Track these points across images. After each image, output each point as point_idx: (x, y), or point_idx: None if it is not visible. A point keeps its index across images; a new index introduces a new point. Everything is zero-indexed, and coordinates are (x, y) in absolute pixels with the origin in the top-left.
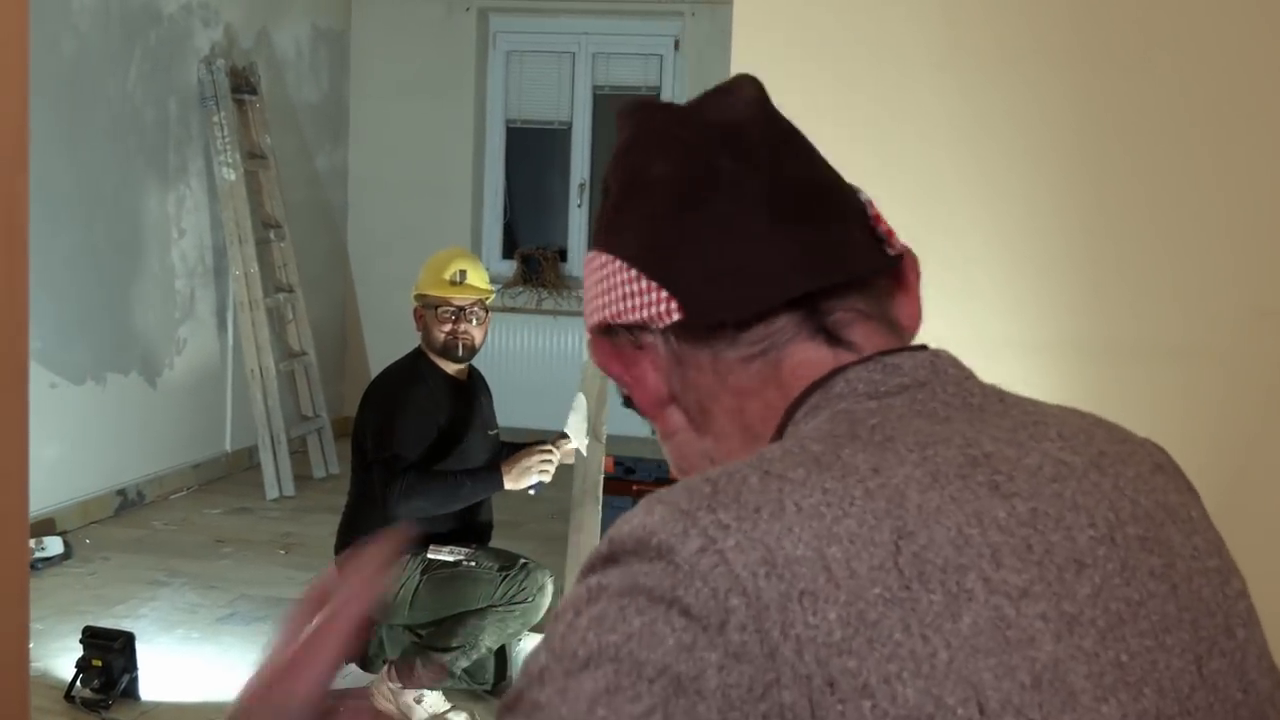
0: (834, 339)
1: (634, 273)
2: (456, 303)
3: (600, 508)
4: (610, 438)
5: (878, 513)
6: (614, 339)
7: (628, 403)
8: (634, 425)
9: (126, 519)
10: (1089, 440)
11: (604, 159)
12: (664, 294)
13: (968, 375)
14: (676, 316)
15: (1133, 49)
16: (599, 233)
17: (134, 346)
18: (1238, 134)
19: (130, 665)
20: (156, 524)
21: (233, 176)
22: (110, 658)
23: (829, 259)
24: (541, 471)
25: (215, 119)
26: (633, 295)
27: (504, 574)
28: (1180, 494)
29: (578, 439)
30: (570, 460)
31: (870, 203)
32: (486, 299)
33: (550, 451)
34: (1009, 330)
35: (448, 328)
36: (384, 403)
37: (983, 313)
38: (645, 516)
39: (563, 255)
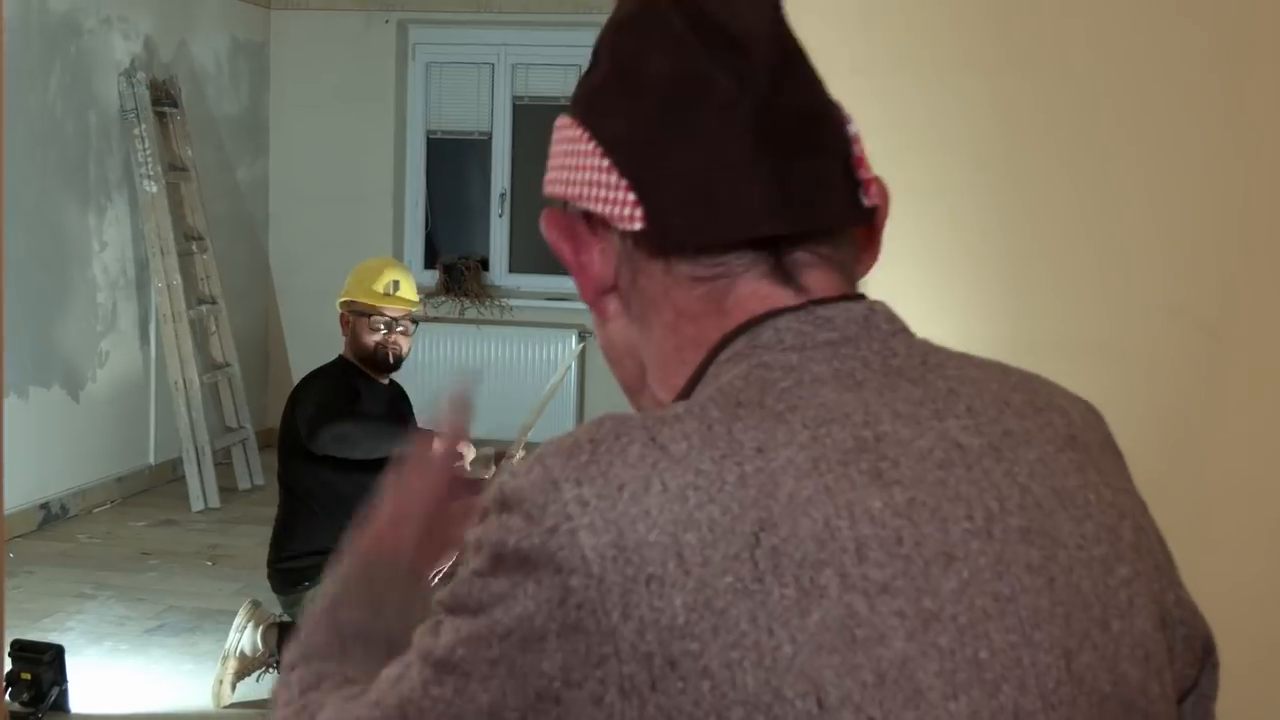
0: (788, 279)
1: (607, 163)
2: (389, 313)
3: None
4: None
5: (745, 501)
6: (568, 214)
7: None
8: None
9: (50, 533)
10: (999, 415)
11: (524, 169)
12: (632, 198)
13: (897, 331)
14: (638, 226)
15: (1051, 50)
16: (580, 100)
17: (56, 360)
18: (1155, 135)
19: (60, 678)
20: (81, 537)
21: (154, 189)
22: (40, 670)
23: (804, 204)
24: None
25: (136, 132)
26: (599, 185)
27: None
28: (1084, 473)
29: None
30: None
31: (857, 138)
32: (415, 310)
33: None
34: (930, 331)
35: (378, 337)
36: (319, 394)
37: (905, 314)
38: (526, 476)
39: (484, 264)
